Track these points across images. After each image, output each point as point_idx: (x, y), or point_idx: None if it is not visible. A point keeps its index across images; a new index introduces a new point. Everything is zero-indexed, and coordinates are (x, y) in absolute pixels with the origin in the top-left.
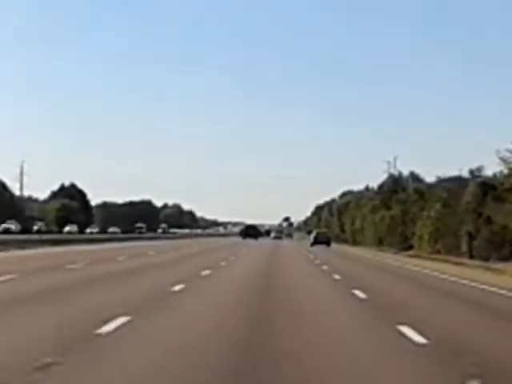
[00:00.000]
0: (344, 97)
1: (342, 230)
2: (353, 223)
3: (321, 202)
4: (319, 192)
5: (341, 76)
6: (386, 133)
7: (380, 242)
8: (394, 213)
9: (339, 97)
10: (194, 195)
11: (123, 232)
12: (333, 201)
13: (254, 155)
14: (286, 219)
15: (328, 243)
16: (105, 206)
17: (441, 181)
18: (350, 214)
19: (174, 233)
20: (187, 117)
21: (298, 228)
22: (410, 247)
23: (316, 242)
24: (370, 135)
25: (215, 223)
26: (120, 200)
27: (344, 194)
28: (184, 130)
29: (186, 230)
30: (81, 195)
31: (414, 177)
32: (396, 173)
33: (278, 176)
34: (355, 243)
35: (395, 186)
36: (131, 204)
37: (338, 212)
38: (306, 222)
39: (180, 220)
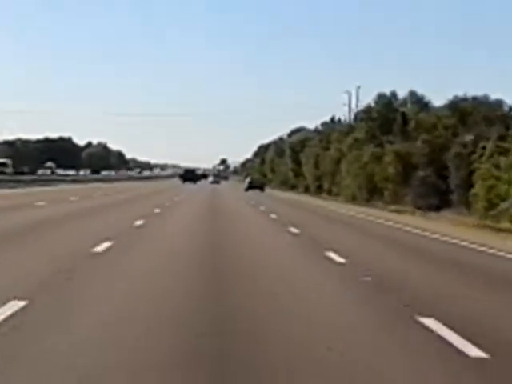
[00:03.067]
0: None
1: (296, 175)
2: (316, 165)
3: (265, 141)
4: (262, 132)
5: None
6: (344, 60)
7: (371, 194)
8: (412, 147)
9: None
10: (124, 135)
11: None
12: (280, 139)
13: (182, 90)
14: (223, 162)
15: (262, 188)
16: (12, 143)
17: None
18: (311, 153)
19: (65, 175)
20: (111, 44)
21: (235, 171)
22: (441, 205)
23: (250, 186)
24: (327, 62)
25: (148, 165)
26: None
27: (294, 132)
28: (109, 58)
29: (82, 172)
30: None
31: (417, 99)
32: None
33: (213, 113)
34: (320, 192)
35: (388, 111)
36: (47, 141)
37: (291, 151)
38: (244, 164)
39: (106, 161)
